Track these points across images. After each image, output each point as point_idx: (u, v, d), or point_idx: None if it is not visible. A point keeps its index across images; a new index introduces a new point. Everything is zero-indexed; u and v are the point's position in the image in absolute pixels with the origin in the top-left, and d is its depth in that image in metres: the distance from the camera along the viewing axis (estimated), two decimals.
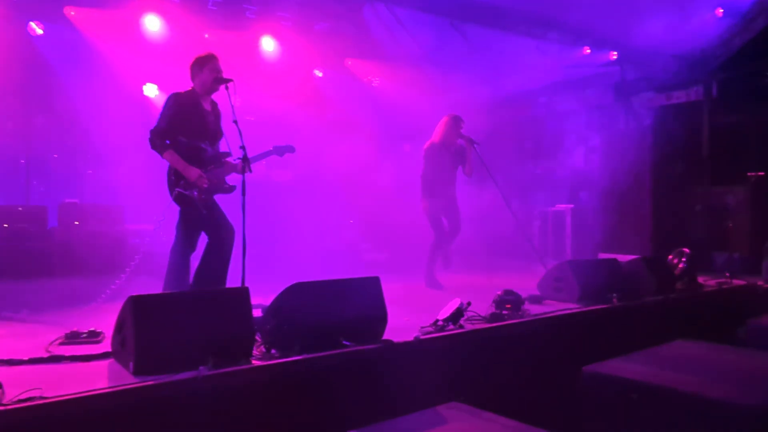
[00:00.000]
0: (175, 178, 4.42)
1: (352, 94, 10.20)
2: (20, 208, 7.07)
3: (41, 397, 2.48)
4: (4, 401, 2.42)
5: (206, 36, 8.66)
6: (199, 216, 4.45)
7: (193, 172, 4.38)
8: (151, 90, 8.70)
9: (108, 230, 7.20)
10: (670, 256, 6.40)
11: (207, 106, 4.63)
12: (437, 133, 6.61)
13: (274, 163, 8.40)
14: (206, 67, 4.52)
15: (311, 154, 9.14)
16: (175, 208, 4.53)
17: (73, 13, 7.78)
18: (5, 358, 3.10)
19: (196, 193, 4.40)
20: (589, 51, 10.00)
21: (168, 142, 4.40)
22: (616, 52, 9.87)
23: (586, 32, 9.12)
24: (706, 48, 8.16)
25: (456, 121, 6.57)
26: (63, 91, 7.79)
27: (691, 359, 3.78)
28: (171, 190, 4.46)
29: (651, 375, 3.35)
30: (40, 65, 7.72)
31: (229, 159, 4.66)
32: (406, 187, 9.34)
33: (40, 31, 7.79)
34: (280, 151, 4.88)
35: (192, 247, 4.59)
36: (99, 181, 8.27)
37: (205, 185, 4.43)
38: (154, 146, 4.40)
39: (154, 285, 4.43)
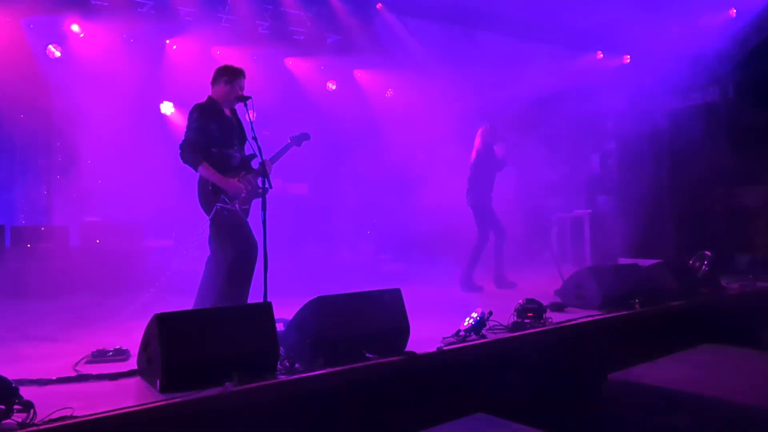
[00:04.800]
0: (213, 191, 4.33)
1: (366, 105, 10.25)
2: (43, 228, 7.17)
3: (72, 416, 2.51)
4: (36, 421, 2.45)
5: (218, 53, 8.78)
6: (240, 226, 4.43)
7: (232, 184, 4.34)
8: (167, 108, 8.81)
9: (129, 248, 7.28)
10: (692, 260, 6.34)
11: (227, 112, 4.63)
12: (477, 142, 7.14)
13: (291, 176, 8.47)
14: (235, 83, 4.49)
15: (327, 167, 9.20)
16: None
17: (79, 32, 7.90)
18: (34, 377, 3.13)
19: (237, 205, 4.39)
20: (602, 55, 10.00)
21: (201, 154, 4.32)
22: (629, 56, 9.85)
23: (598, 37, 9.12)
24: (721, 49, 8.10)
25: (492, 128, 7.11)
26: (82, 112, 7.90)
27: (718, 364, 3.75)
28: (208, 204, 4.36)
29: (677, 381, 3.33)
30: (59, 87, 7.85)
31: (255, 161, 4.63)
32: (421, 196, 9.37)
33: (58, 54, 7.93)
34: (297, 140, 4.85)
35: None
36: (118, 198, 8.37)
37: (244, 195, 4.43)
38: (186, 161, 4.32)
39: (177, 302, 4.44)
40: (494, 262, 7.00)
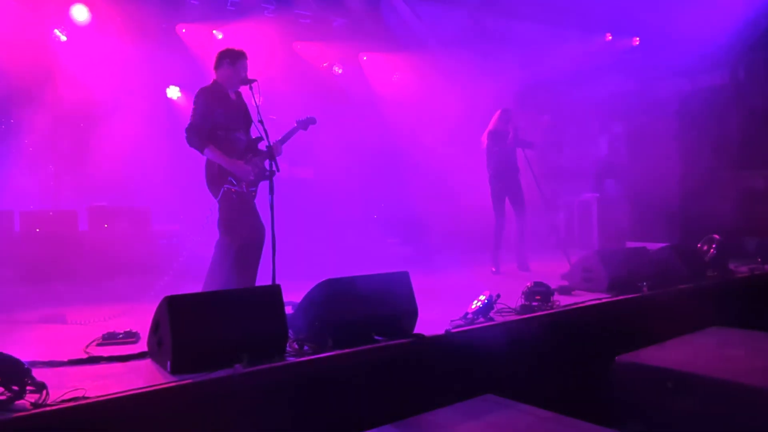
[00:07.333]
0: (220, 174, 4.33)
1: (373, 88, 10.21)
2: (51, 213, 7.20)
3: (84, 398, 2.54)
4: (49, 401, 2.48)
5: (220, 36, 8.73)
6: (248, 209, 4.43)
7: (239, 166, 4.34)
8: (173, 92, 8.80)
9: (137, 232, 7.31)
10: (700, 243, 6.31)
11: (232, 96, 4.62)
12: (491, 123, 7.19)
13: (297, 159, 8.47)
14: (238, 64, 4.49)
15: (333, 151, 9.17)
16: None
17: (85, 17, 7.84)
18: (46, 359, 3.16)
19: (245, 187, 4.39)
20: (611, 37, 9.90)
21: (206, 137, 4.32)
22: (638, 38, 9.75)
23: (608, 18, 9.02)
24: (732, 30, 7.99)
25: (505, 113, 7.13)
26: (89, 97, 7.91)
27: (726, 346, 3.74)
28: (215, 187, 4.36)
29: (686, 363, 3.32)
30: (66, 72, 7.85)
31: (261, 144, 4.64)
32: (427, 179, 9.34)
33: (64, 38, 7.91)
34: (304, 124, 4.85)
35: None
36: (125, 183, 8.38)
37: (252, 177, 4.43)
38: (192, 144, 4.32)
39: (188, 287, 4.45)
40: (516, 245, 7.09)
